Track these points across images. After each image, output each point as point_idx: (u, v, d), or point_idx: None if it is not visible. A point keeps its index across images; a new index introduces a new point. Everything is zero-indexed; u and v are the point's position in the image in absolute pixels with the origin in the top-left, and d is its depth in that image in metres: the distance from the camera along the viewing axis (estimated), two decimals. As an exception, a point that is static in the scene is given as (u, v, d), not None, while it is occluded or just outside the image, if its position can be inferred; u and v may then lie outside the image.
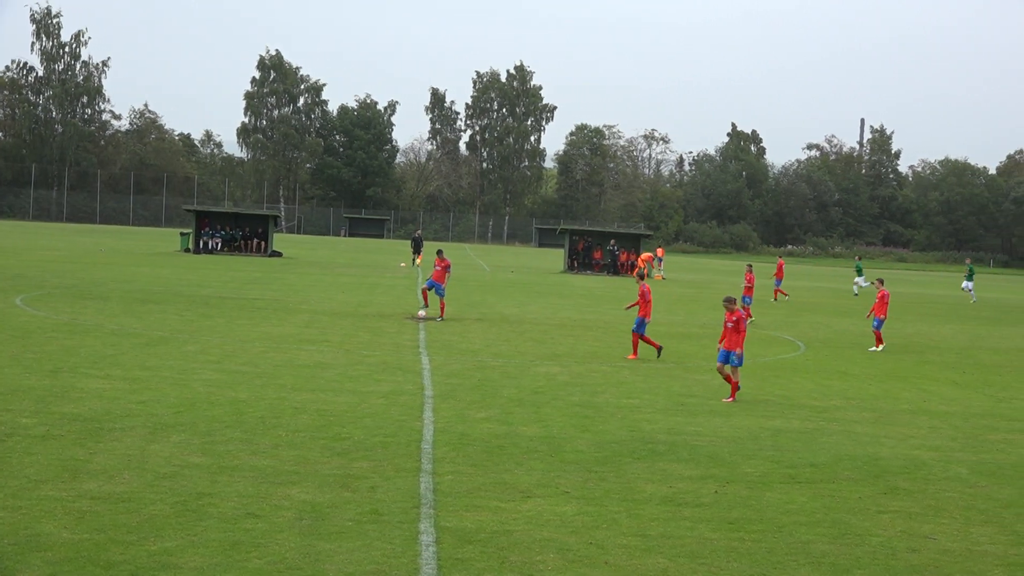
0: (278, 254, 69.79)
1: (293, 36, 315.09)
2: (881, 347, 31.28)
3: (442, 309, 33.00)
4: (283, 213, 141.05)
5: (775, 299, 52.14)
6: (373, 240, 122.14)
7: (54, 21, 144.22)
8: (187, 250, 69.52)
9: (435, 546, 10.46)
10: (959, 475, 15.08)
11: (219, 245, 70.89)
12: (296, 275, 51.12)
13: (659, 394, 20.87)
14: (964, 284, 62.10)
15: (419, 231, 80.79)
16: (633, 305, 27.01)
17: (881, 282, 32.80)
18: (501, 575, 9.85)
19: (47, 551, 9.72)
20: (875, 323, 31.69)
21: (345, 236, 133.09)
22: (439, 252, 34.52)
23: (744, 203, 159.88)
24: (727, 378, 20.82)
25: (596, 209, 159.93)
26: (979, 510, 13.18)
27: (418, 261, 66.72)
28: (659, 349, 26.44)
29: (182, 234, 73.22)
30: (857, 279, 62.34)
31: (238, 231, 72.43)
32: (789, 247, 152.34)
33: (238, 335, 26.41)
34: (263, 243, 71.87)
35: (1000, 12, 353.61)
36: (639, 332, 26.28)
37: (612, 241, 72.16)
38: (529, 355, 25.76)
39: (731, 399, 20.50)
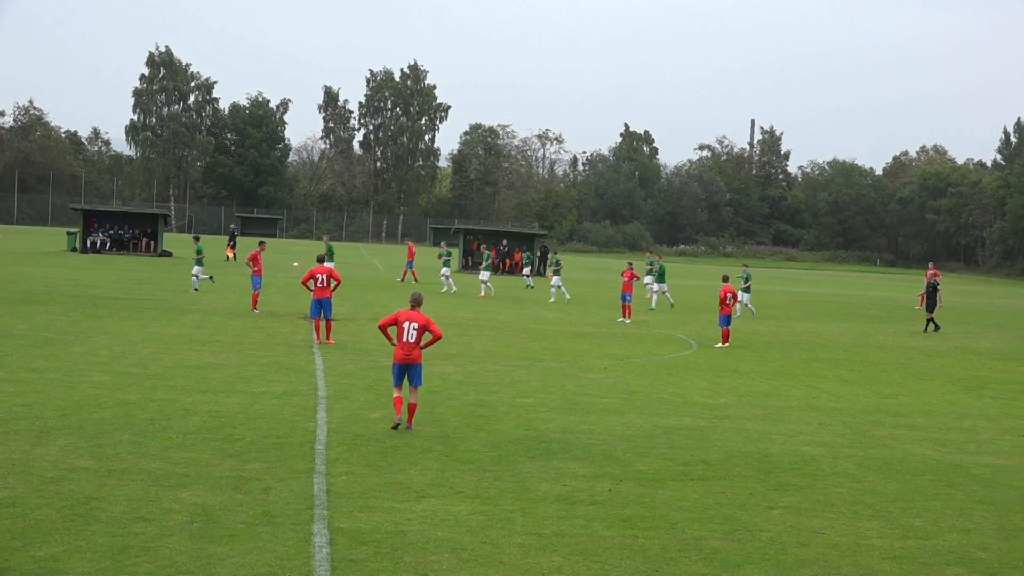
0: (168, 253, 68.77)
1: (183, 32, 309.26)
2: (725, 344, 31.61)
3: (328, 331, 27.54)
4: (173, 212, 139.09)
5: (403, 279, 55.77)
6: (265, 240, 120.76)
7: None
8: (74, 249, 68.19)
9: (329, 547, 10.38)
10: (847, 470, 15.37)
11: (107, 244, 69.60)
12: (187, 275, 50.32)
13: (553, 393, 20.96)
14: (742, 296, 43.27)
15: (233, 225, 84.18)
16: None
17: (725, 279, 32.83)
18: (395, 575, 9.82)
19: (-73, 559, 9.45)
20: (724, 320, 31.74)
21: (237, 235, 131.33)
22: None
23: (637, 203, 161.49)
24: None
25: (490, 209, 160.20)
26: (866, 504, 13.44)
27: (228, 252, 68.33)
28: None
29: (69, 233, 71.79)
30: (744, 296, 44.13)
31: (127, 230, 71.19)
32: (681, 246, 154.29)
33: (127, 336, 25.95)
34: (152, 242, 70.79)
35: (886, 16, 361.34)
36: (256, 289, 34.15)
37: (504, 241, 72.36)
38: (423, 354, 25.65)
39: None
